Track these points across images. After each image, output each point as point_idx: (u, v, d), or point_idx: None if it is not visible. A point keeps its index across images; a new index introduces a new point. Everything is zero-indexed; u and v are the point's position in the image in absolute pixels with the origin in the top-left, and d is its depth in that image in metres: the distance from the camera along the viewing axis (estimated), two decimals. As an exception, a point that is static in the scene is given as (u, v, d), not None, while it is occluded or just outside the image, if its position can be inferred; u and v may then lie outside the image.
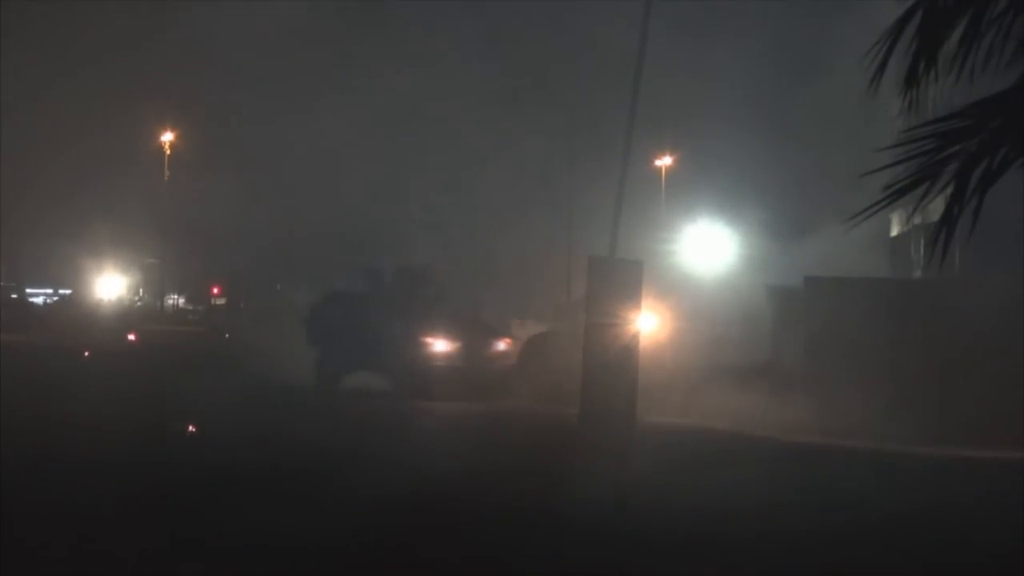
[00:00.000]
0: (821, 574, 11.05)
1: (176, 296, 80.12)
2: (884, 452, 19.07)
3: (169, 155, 67.66)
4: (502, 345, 29.16)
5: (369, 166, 48.38)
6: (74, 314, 60.60)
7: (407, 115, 47.94)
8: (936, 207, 6.13)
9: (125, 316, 63.19)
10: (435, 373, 27.40)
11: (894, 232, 39.95)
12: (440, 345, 27.95)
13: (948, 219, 5.94)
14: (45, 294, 79.65)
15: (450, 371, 27.59)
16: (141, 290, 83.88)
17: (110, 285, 78.33)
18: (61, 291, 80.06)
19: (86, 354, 38.07)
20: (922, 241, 35.48)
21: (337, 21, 48.05)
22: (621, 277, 24.17)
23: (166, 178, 67.37)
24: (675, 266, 40.51)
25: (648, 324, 27.50)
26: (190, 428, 20.20)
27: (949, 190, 5.91)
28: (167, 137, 67.28)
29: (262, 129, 52.93)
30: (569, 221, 48.04)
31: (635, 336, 22.84)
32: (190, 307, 79.09)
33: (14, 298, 69.42)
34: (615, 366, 22.50)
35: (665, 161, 52.46)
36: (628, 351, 22.83)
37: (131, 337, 48.02)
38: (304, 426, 20.76)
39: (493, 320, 34.06)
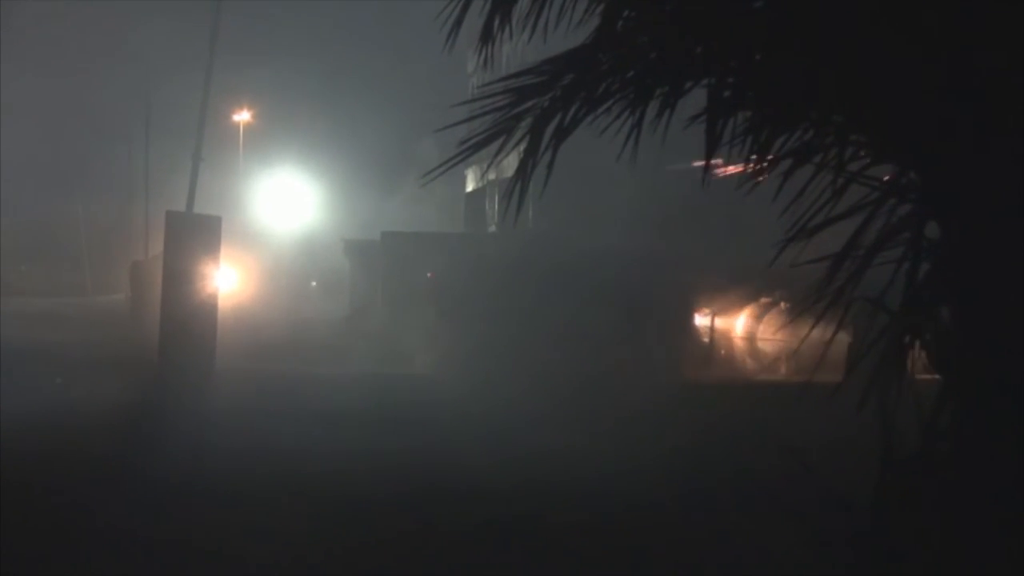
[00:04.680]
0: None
1: None
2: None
3: None
4: None
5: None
6: None
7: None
8: (510, 163, 6.26)
9: None
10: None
11: (469, 188, 40.92)
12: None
13: (522, 173, 6.06)
14: None
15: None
16: None
17: None
18: None
19: None
20: (496, 196, 36.46)
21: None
22: (199, 232, 23.83)
23: None
24: (257, 222, 40.26)
25: (228, 278, 27.66)
26: None
27: (523, 145, 6.02)
28: None
29: None
30: (146, 178, 46.74)
31: (214, 289, 22.88)
32: None
33: None
34: (194, 317, 22.39)
35: (244, 116, 51.56)
36: (207, 303, 22.81)
37: None
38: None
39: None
